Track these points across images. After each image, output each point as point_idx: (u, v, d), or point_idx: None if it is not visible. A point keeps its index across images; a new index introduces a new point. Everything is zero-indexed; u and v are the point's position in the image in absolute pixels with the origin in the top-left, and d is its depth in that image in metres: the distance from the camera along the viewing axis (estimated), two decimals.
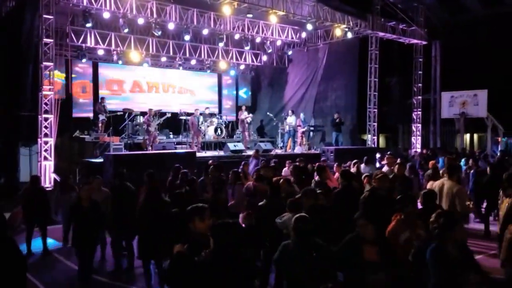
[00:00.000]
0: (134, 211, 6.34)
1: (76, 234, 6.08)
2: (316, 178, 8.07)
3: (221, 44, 17.32)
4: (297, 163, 9.73)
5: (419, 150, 18.10)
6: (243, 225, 6.02)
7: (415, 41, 18.41)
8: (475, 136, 24.26)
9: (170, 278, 3.71)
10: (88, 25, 13.79)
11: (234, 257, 3.42)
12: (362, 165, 11.43)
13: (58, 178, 11.58)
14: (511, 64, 20.03)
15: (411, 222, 4.67)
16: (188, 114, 15.87)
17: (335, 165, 10.44)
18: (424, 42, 18.77)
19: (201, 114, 16.04)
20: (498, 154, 15.68)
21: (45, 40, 11.92)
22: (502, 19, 17.14)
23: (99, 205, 6.28)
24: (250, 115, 17.36)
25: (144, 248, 5.87)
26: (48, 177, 11.90)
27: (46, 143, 12.00)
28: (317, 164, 9.13)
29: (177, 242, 3.74)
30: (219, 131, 16.44)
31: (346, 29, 16.80)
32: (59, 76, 15.63)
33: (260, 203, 5.97)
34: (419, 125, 19.59)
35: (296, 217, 4.06)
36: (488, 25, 17.74)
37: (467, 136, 23.08)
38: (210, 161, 9.55)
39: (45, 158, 11.95)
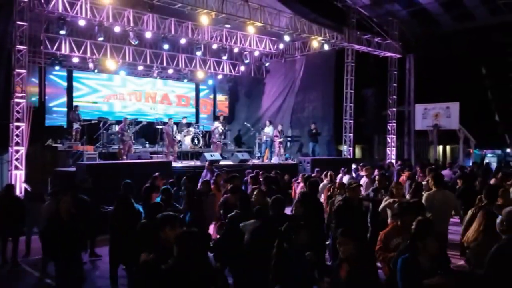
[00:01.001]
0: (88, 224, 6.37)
1: (54, 248, 5.90)
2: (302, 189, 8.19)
3: (198, 53, 17.30)
4: (272, 174, 9.79)
5: (393, 161, 18.37)
6: (217, 235, 6.01)
7: (389, 54, 18.81)
8: (448, 147, 24.82)
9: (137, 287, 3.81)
10: (62, 32, 13.58)
11: (196, 264, 3.55)
12: (340, 175, 11.59)
13: (29, 188, 11.31)
14: (482, 78, 20.68)
15: (406, 229, 4.76)
16: (164, 124, 15.77)
17: (300, 175, 10.54)
18: (399, 55, 19.20)
19: (175, 123, 15.94)
20: (471, 165, 16.06)
21: (18, 47, 11.68)
22: (473, 34, 17.67)
23: (78, 217, 6.16)
24: (219, 125, 17.26)
25: (113, 254, 5.93)
26: (19, 187, 11.58)
27: (17, 151, 11.71)
28: (306, 175, 9.36)
29: (146, 250, 3.81)
30: (196, 140, 16.36)
31: (323, 41, 17.06)
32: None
33: (231, 214, 5.96)
34: (394, 136, 19.94)
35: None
36: (460, 39, 18.25)
37: (440, 148, 23.59)
38: (156, 174, 9.25)
39: (16, 167, 11.65)
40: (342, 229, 4.25)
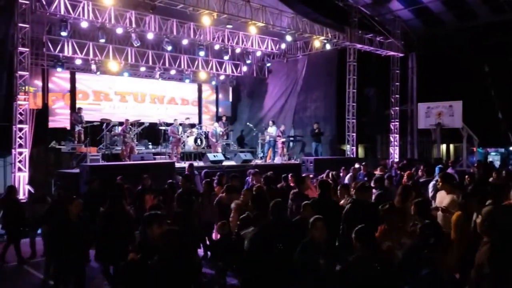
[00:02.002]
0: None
1: (60, 248, 5.94)
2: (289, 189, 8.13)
3: (201, 54, 17.23)
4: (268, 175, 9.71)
5: (396, 160, 18.32)
6: (219, 235, 6.02)
7: (392, 53, 18.77)
8: (451, 146, 24.72)
9: (122, 284, 3.89)
10: (64, 33, 13.57)
11: (179, 260, 3.64)
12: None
13: (32, 190, 11.34)
14: (485, 76, 20.59)
15: (394, 231, 4.70)
16: (168, 124, 15.78)
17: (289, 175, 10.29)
18: (401, 54, 19.17)
19: (180, 124, 15.94)
20: (475, 164, 15.96)
21: (21, 49, 11.72)
22: (476, 32, 17.61)
23: (88, 220, 6.23)
24: (216, 124, 17.24)
25: (102, 252, 6.07)
26: (23, 189, 11.61)
27: (20, 153, 11.74)
28: (293, 175, 9.25)
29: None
30: (199, 141, 16.35)
31: (325, 41, 17.03)
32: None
33: (242, 216, 5.95)
34: (397, 135, 19.92)
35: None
36: (462, 38, 18.19)
37: (443, 146, 23.51)
38: (145, 175, 9.19)
39: (20, 169, 11.67)
40: (356, 230, 4.16)
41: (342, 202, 6.82)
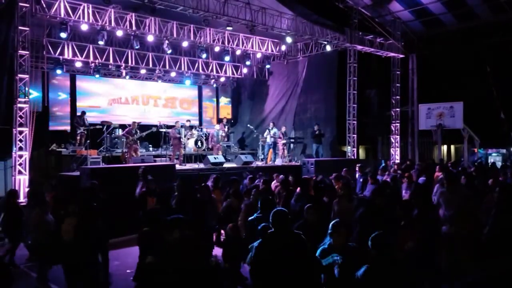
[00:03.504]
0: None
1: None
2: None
3: (204, 56, 17.19)
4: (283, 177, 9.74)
5: (397, 161, 18.29)
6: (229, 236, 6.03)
7: (392, 54, 18.75)
8: (452, 147, 24.69)
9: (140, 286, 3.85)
10: (63, 35, 13.55)
11: (196, 265, 3.60)
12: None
13: None
14: (486, 77, 20.56)
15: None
16: (168, 127, 15.74)
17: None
18: (401, 55, 19.14)
19: (181, 126, 15.91)
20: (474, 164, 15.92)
21: (21, 52, 11.69)
22: (477, 32, 17.61)
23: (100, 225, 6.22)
24: (217, 126, 17.22)
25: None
26: (23, 192, 11.57)
27: (20, 156, 11.71)
28: (303, 177, 9.32)
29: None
30: (199, 143, 16.31)
31: (325, 42, 17.02)
32: None
33: (251, 218, 5.94)
34: (398, 136, 19.89)
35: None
36: (463, 38, 18.18)
37: (444, 147, 23.48)
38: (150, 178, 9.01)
39: (20, 172, 11.65)
40: (372, 237, 4.04)
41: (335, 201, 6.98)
